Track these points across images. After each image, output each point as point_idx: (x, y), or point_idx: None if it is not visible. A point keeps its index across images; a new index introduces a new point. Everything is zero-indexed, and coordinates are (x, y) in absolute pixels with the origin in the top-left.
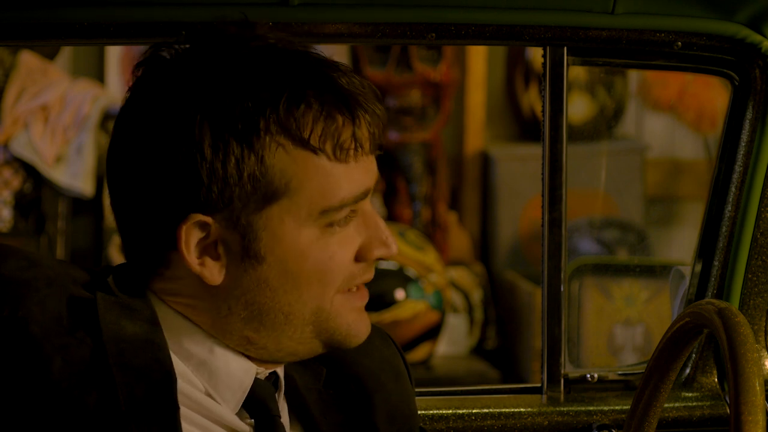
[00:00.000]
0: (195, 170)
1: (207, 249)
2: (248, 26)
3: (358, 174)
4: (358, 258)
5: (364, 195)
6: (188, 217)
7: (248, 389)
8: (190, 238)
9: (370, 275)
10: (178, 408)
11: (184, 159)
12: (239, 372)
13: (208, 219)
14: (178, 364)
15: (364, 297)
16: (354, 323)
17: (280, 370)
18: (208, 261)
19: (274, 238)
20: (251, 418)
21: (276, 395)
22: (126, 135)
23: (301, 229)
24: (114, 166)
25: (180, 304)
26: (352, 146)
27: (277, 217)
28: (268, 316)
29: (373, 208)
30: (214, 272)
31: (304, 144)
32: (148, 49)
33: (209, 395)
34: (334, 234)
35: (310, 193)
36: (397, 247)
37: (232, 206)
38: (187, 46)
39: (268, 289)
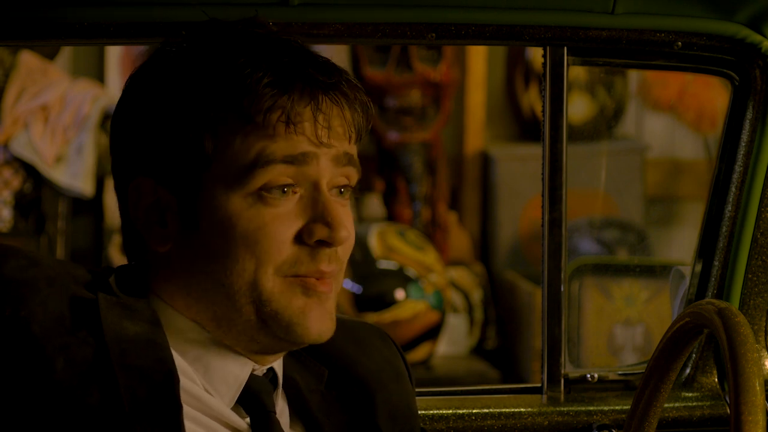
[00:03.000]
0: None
1: (153, 214)
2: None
3: (291, 138)
4: (299, 239)
5: (302, 156)
6: (136, 180)
7: (243, 384)
8: (139, 199)
9: (321, 266)
10: (181, 408)
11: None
12: (235, 367)
13: (151, 181)
14: (179, 361)
15: (316, 287)
16: (300, 313)
17: (278, 367)
18: (156, 228)
19: (209, 206)
20: (246, 413)
21: (274, 393)
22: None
23: (231, 195)
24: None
25: (179, 302)
26: (282, 118)
27: (210, 183)
28: (215, 287)
29: (332, 195)
30: (158, 239)
31: (240, 113)
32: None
33: (207, 391)
34: (268, 206)
35: (233, 151)
36: (347, 233)
37: (174, 173)
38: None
39: (208, 257)
